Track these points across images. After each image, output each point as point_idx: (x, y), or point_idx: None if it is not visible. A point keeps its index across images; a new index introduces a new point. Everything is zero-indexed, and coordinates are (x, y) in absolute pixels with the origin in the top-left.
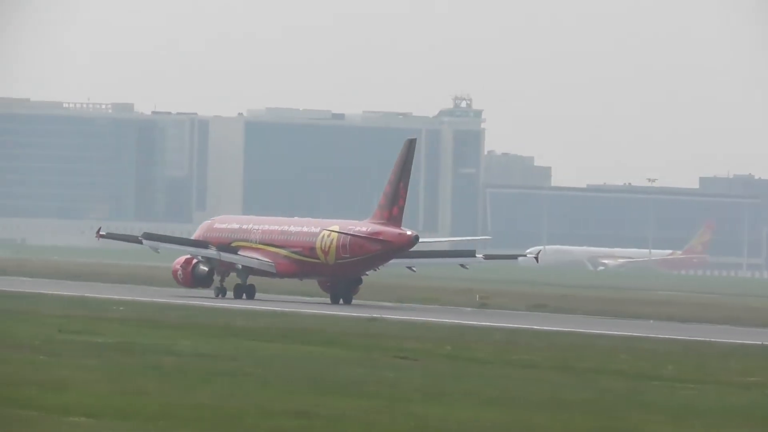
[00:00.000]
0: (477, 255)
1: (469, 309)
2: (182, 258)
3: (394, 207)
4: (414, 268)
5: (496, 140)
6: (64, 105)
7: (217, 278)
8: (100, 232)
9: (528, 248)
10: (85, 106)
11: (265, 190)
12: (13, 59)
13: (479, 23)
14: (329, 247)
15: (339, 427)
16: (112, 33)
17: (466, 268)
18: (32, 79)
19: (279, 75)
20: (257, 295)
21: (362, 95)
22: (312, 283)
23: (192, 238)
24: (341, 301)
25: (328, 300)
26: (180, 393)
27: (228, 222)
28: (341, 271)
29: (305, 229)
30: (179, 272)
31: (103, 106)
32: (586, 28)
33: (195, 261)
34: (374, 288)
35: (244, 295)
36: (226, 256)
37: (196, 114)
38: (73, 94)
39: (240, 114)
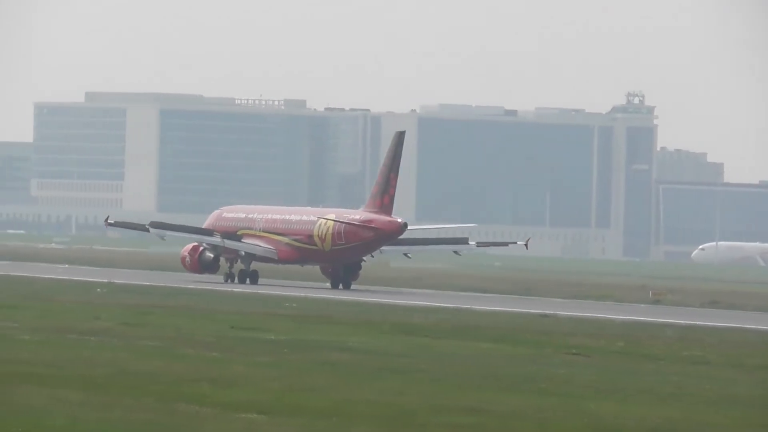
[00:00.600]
0: (470, 242)
1: (642, 305)
2: (189, 245)
3: (384, 196)
4: (409, 255)
5: (669, 136)
6: (237, 101)
7: (225, 265)
8: (108, 220)
9: (701, 244)
10: (257, 102)
11: (437, 187)
12: (186, 56)
13: (653, 18)
14: (325, 234)
15: (511, 424)
16: (284, 32)
17: (459, 255)
18: (205, 75)
19: (451, 71)
20: (261, 281)
21: (535, 91)
22: (313, 268)
23: (203, 226)
24: (341, 286)
25: (329, 285)
26: (352, 389)
27: (235, 211)
28: (337, 256)
29: (304, 218)
30: (187, 259)
31: (276, 103)
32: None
33: (201, 248)
34: (557, 284)
35: (248, 280)
36: (230, 243)
37: (368, 110)
38: (245, 91)
39: (413, 110)
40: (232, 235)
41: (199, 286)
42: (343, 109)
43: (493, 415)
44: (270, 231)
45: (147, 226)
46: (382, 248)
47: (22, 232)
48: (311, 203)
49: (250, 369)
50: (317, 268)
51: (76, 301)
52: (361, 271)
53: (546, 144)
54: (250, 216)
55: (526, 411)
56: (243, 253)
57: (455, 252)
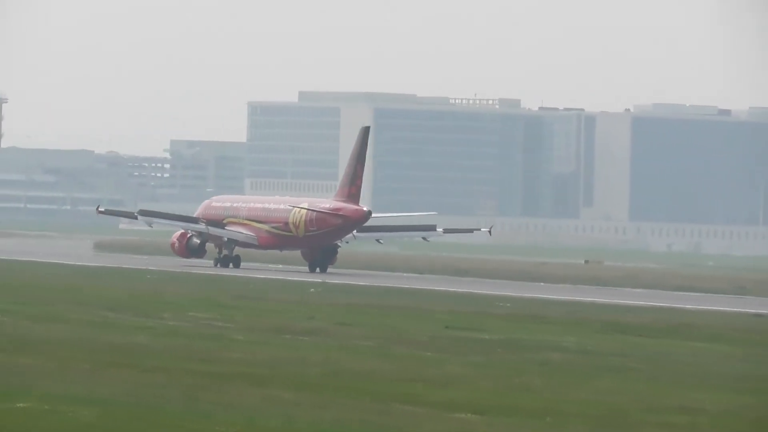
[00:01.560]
0: (438, 229)
1: None
2: (178, 232)
3: (352, 186)
4: (381, 241)
5: None
6: (451, 101)
7: (215, 250)
8: (99, 209)
9: None
10: (471, 102)
11: (652, 187)
12: (400, 55)
13: None
14: (299, 221)
15: (725, 423)
16: (495, 30)
17: (428, 241)
18: (419, 74)
19: (666, 69)
20: (243, 264)
21: (749, 90)
22: (289, 253)
23: (194, 215)
24: (318, 269)
25: (307, 269)
26: (565, 389)
27: (222, 201)
28: (311, 242)
29: (281, 206)
30: (176, 244)
31: (490, 102)
32: None
33: (189, 235)
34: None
35: (231, 264)
36: (213, 230)
37: (582, 110)
38: (459, 90)
39: (627, 110)
40: (219, 222)
41: (413, 286)
42: (557, 109)
43: (706, 414)
44: (252, 219)
45: (135, 214)
46: (355, 234)
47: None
48: (524, 202)
49: (464, 369)
50: (299, 252)
51: (290, 300)
52: (337, 255)
53: (760, 144)
54: (234, 205)
55: (739, 410)
56: (226, 239)
57: (423, 238)
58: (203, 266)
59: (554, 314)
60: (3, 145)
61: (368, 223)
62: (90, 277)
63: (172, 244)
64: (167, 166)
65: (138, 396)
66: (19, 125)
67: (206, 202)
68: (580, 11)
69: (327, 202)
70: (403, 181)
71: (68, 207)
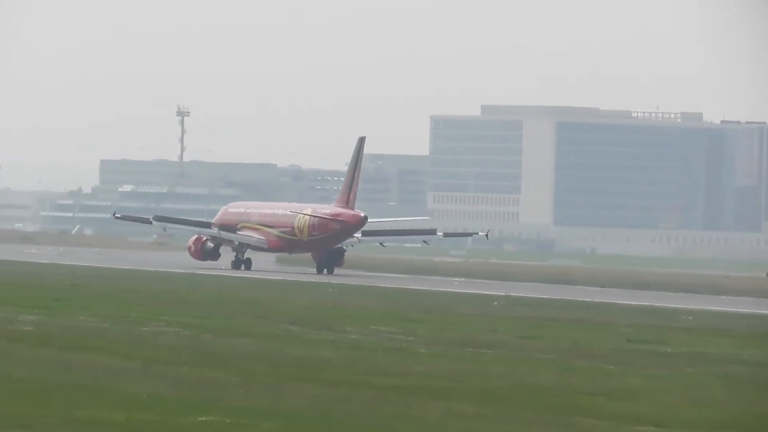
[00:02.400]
0: (438, 233)
1: None
2: (194, 237)
3: (350, 193)
4: (384, 244)
5: None
6: (633, 114)
7: (232, 253)
8: (116, 215)
9: None
10: (653, 115)
11: None
12: (582, 68)
13: None
14: (303, 226)
15: None
16: (672, 40)
17: (428, 244)
18: (601, 88)
19: None
20: (254, 266)
21: None
22: (290, 256)
23: (213, 221)
24: (325, 271)
25: (315, 270)
26: (748, 403)
27: (237, 207)
28: (314, 245)
29: (288, 212)
30: (192, 248)
31: (672, 116)
32: None
33: (204, 239)
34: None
35: (243, 266)
36: (225, 235)
37: (764, 123)
38: (641, 103)
39: None
40: (233, 227)
41: (594, 299)
42: (738, 122)
43: None
44: (262, 224)
45: (151, 219)
46: (360, 238)
47: (419, 245)
48: (706, 216)
49: (646, 382)
50: (309, 255)
51: (472, 314)
52: (344, 258)
53: None
54: (247, 211)
55: None
56: (237, 243)
57: (424, 242)
58: (219, 269)
59: (737, 327)
60: (185, 159)
61: (374, 228)
62: (272, 290)
63: (189, 248)
64: None
65: (320, 409)
66: (201, 139)
67: (224, 208)
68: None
69: (328, 208)
70: (584, 195)
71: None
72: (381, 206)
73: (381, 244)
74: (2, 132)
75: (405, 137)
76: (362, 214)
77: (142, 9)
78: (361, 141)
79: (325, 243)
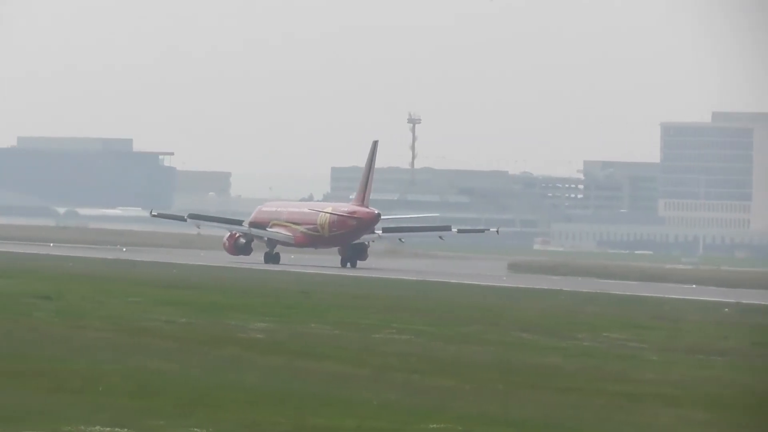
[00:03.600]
0: (452, 229)
1: None
2: (228, 233)
3: (365, 192)
4: (403, 240)
5: None
6: None
7: (266, 249)
8: (153, 213)
9: None
10: None
11: None
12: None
13: None
14: (325, 223)
15: None
16: None
17: (443, 240)
18: None
19: None
20: (282, 260)
21: None
22: (307, 250)
23: (249, 219)
24: (348, 264)
25: (339, 264)
26: None
27: (270, 206)
28: (335, 240)
29: (313, 210)
30: (226, 243)
31: None
32: None
33: (237, 235)
34: None
35: (271, 261)
36: (255, 231)
37: None
38: None
39: None
40: (264, 224)
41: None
42: None
43: None
44: (290, 221)
45: (185, 217)
46: (381, 234)
47: (649, 252)
48: None
49: None
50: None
51: (703, 321)
52: (367, 253)
53: None
54: (278, 210)
55: None
56: (266, 239)
57: (440, 237)
58: (252, 262)
59: None
60: (417, 166)
61: (392, 225)
62: (504, 297)
63: (223, 244)
64: (581, 186)
65: (551, 417)
66: (433, 146)
67: (258, 207)
68: None
69: (346, 206)
70: None
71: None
72: (612, 213)
73: (400, 239)
74: (234, 140)
75: (635, 145)
76: (376, 212)
77: (374, 14)
78: (374, 145)
79: (344, 238)
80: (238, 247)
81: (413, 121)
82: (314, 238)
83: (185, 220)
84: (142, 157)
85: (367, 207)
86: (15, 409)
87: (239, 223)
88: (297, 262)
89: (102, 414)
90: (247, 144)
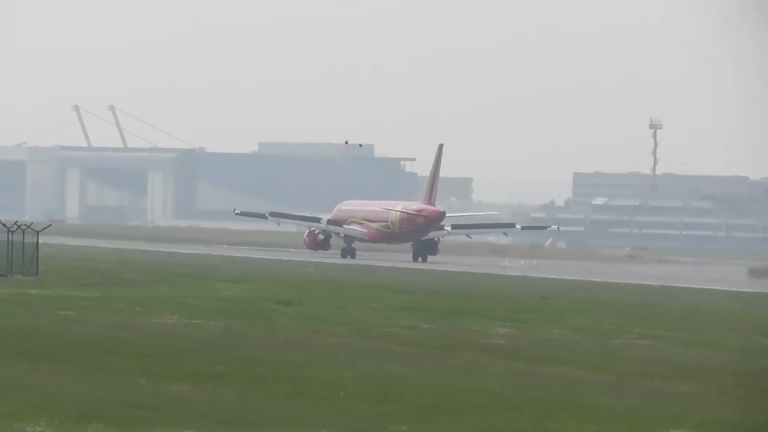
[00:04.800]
0: (516, 226)
1: None
2: (307, 230)
3: (431, 192)
4: (470, 236)
5: None
6: None
7: (343, 244)
8: (235, 211)
9: None
10: None
11: None
12: None
13: None
14: (395, 220)
15: None
16: None
17: (507, 235)
18: None
19: None
20: (358, 255)
21: None
22: (371, 245)
23: (329, 217)
24: (420, 259)
25: (410, 258)
26: None
27: (347, 205)
28: (404, 237)
29: (385, 209)
30: (306, 240)
31: None
32: None
33: (317, 232)
34: None
35: (348, 255)
36: (332, 228)
37: None
38: None
39: None
40: (342, 221)
41: None
42: None
43: None
44: (365, 219)
45: (266, 215)
46: (450, 230)
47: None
48: None
49: None
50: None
51: None
52: (438, 248)
53: None
54: (355, 208)
55: None
56: (342, 235)
57: (504, 233)
58: (331, 257)
59: None
60: (658, 172)
61: (460, 222)
62: (745, 303)
63: (304, 240)
64: None
65: None
66: (674, 151)
67: (338, 205)
68: None
69: (414, 205)
70: None
71: (722, 233)
72: None
73: (468, 236)
74: (476, 145)
75: None
76: (441, 210)
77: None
78: (440, 148)
79: (413, 234)
80: (317, 243)
81: (654, 127)
82: (386, 234)
83: (266, 218)
84: (383, 162)
85: (433, 205)
86: (255, 414)
87: (317, 220)
88: (372, 257)
89: (342, 420)
90: (489, 148)
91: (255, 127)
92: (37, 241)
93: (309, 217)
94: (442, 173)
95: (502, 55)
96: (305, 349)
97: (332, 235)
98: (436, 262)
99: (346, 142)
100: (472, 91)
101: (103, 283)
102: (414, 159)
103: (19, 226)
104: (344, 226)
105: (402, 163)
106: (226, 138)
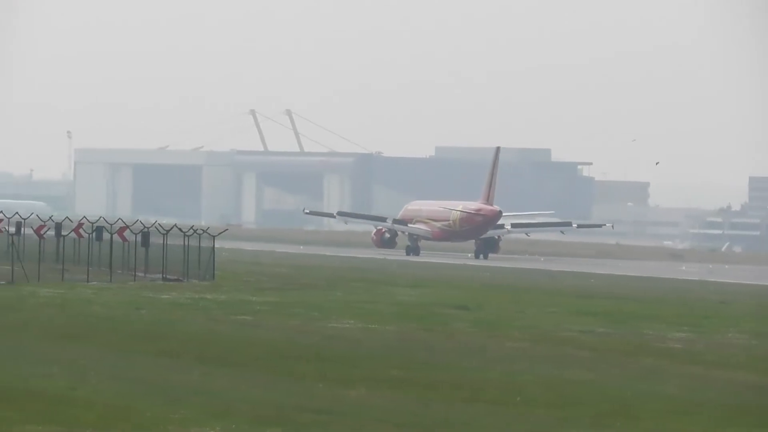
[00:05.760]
0: (573, 225)
1: None
2: (375, 229)
3: (489, 192)
4: (528, 234)
5: None
6: None
7: (408, 242)
8: (305, 210)
9: None
10: None
11: None
12: None
13: None
14: (456, 219)
15: None
16: None
17: (564, 233)
18: None
19: None
20: (422, 252)
21: None
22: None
23: (397, 217)
24: (481, 256)
25: (472, 255)
26: None
27: (413, 205)
28: (465, 234)
29: (447, 209)
30: (374, 238)
31: None
32: None
33: (383, 230)
34: None
35: (412, 253)
36: (397, 227)
37: None
38: None
39: None
40: (408, 221)
41: None
42: None
43: None
44: (429, 218)
45: (334, 214)
46: (510, 229)
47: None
48: None
49: None
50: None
51: None
52: (499, 246)
53: None
54: (420, 208)
55: None
56: (407, 234)
57: (561, 232)
58: (396, 255)
59: None
60: None
61: (519, 221)
62: None
63: (372, 238)
64: None
65: None
66: None
67: (405, 206)
68: None
69: (474, 204)
70: None
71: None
72: None
73: (526, 234)
74: (650, 149)
75: None
76: (498, 209)
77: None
78: (497, 151)
79: (473, 233)
80: (384, 241)
81: None
82: (448, 232)
83: (334, 217)
84: (559, 166)
85: (491, 205)
86: (432, 418)
87: (383, 220)
88: (435, 255)
89: (519, 425)
90: (665, 153)
91: (431, 132)
92: (213, 246)
93: (376, 216)
94: (618, 177)
95: (689, 53)
96: (482, 354)
97: (398, 233)
98: (616, 267)
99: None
100: (654, 90)
101: (279, 288)
102: (591, 163)
103: (195, 231)
104: (409, 225)
105: (579, 167)
106: (402, 143)
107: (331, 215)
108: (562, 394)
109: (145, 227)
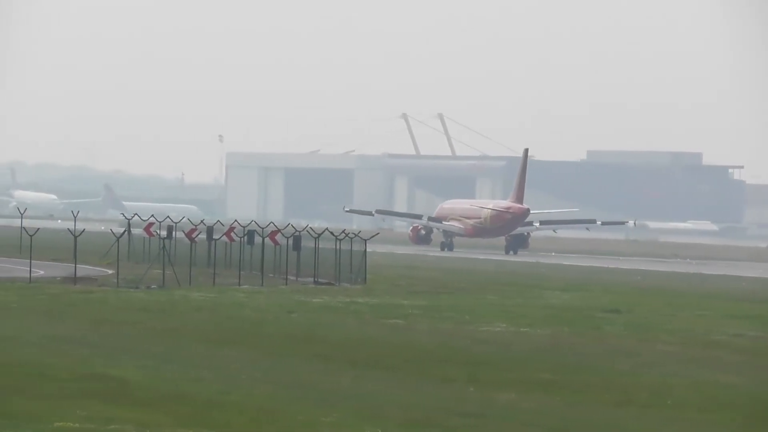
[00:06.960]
0: (597, 222)
1: None
2: (411, 226)
3: (518, 191)
4: (556, 231)
5: None
6: None
7: (442, 239)
8: (345, 208)
9: None
10: None
11: None
12: None
13: None
14: (487, 217)
15: None
16: None
17: (589, 230)
18: None
19: None
20: (455, 249)
21: None
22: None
23: (433, 215)
24: (511, 252)
25: (503, 251)
26: None
27: (449, 204)
28: (495, 231)
29: (478, 207)
30: (410, 234)
31: None
32: None
33: (419, 227)
34: None
35: (446, 249)
36: (432, 224)
37: None
38: None
39: None
40: (443, 218)
41: None
42: None
43: None
44: (463, 216)
45: (373, 213)
46: (539, 226)
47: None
48: None
49: None
50: (501, 239)
51: None
52: (528, 242)
53: None
54: (455, 206)
55: None
56: (441, 230)
57: (586, 228)
58: (432, 251)
59: None
60: None
61: (546, 218)
62: None
63: (408, 235)
64: None
65: None
66: None
67: (441, 204)
68: None
69: (504, 203)
70: None
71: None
72: None
73: (554, 230)
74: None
75: None
76: (526, 207)
77: None
78: (526, 152)
79: (503, 230)
80: (420, 238)
81: None
82: (480, 229)
83: (373, 215)
84: (711, 170)
85: (520, 203)
86: (582, 422)
87: (419, 217)
88: (469, 251)
89: (669, 427)
90: None
91: (584, 135)
92: (365, 249)
93: (412, 214)
94: (754, 181)
95: None
96: (633, 358)
97: (433, 230)
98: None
99: None
100: None
101: (430, 291)
102: (742, 166)
103: (347, 234)
104: (443, 222)
105: (730, 170)
106: (554, 146)
107: (369, 213)
108: (714, 397)
109: (296, 231)
